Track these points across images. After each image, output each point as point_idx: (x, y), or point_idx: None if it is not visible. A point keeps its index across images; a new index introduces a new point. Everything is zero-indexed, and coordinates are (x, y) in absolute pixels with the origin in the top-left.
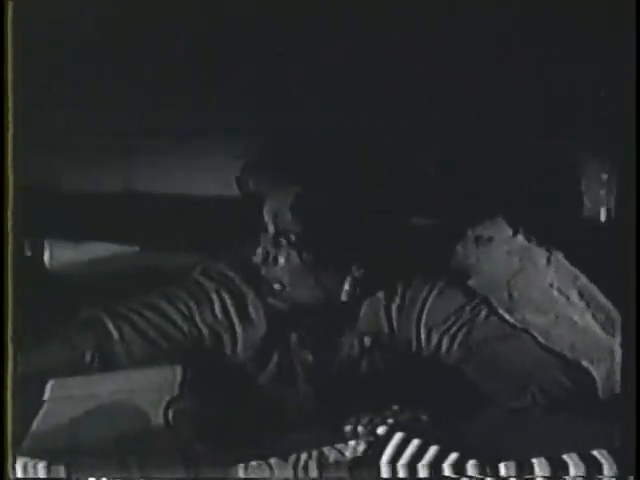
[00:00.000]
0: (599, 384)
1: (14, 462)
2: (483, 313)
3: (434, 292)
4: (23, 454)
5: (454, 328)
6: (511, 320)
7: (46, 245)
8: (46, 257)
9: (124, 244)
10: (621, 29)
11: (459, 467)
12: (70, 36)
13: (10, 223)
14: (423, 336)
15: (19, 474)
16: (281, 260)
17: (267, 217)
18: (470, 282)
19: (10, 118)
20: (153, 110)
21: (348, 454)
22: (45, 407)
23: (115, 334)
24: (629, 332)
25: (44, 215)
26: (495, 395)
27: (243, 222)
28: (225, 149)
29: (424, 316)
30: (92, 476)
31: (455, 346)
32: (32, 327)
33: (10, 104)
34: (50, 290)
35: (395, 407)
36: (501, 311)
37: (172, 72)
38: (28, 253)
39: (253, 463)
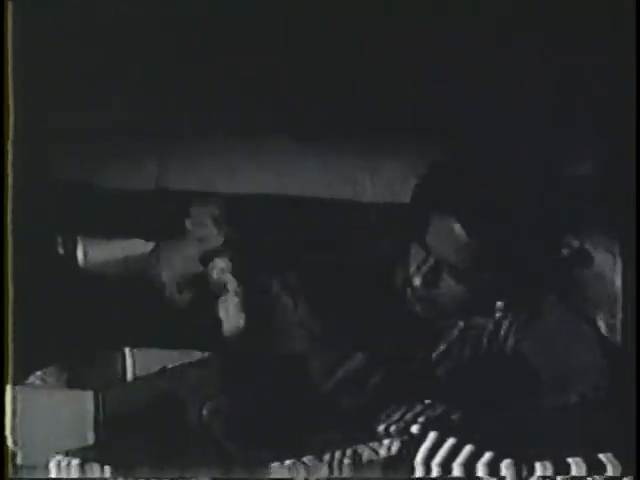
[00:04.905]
0: None
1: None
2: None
3: None
4: (58, 452)
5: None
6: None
7: (79, 243)
8: (79, 255)
9: (157, 242)
10: (621, 29)
11: (494, 466)
12: (70, 36)
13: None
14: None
15: (52, 472)
16: None
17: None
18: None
19: (10, 118)
20: (183, 109)
21: (382, 453)
22: None
23: None
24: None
25: (77, 213)
26: (540, 390)
27: (279, 223)
28: (257, 148)
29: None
30: (128, 476)
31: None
32: (64, 325)
33: (10, 104)
34: (83, 288)
35: (427, 401)
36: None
37: (171, 72)
38: (61, 251)
39: (287, 462)
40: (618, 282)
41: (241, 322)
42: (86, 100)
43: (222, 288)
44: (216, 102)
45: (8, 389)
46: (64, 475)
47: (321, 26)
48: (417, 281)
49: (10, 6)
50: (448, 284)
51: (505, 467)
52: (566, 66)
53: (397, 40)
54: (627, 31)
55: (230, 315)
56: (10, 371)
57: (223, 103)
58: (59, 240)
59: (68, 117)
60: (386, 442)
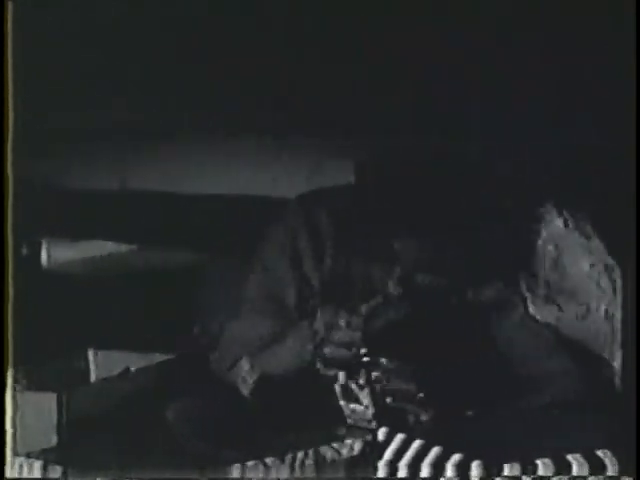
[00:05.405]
0: (618, 378)
1: (12, 462)
2: (515, 304)
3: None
4: (19, 454)
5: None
6: (538, 316)
7: (43, 244)
8: (43, 256)
9: (121, 242)
10: (621, 29)
11: (462, 468)
12: (70, 36)
13: (9, 222)
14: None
15: (16, 474)
16: None
17: None
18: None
19: (10, 118)
20: (151, 109)
21: (345, 453)
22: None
23: None
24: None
25: (41, 214)
26: (509, 392)
27: (243, 222)
28: (224, 148)
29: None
30: (89, 476)
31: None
32: (30, 327)
33: (10, 104)
34: (47, 289)
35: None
36: (531, 304)
37: (171, 72)
38: (25, 252)
39: (250, 463)
40: (604, 283)
41: None
42: (55, 100)
43: None
44: (216, 102)
45: (8, 392)
46: (25, 476)
47: (321, 26)
48: (392, 287)
49: (10, 6)
50: (423, 279)
51: (474, 468)
52: (566, 66)
53: (397, 40)
54: (627, 31)
55: None
56: (10, 372)
57: (223, 103)
58: (23, 242)
59: (36, 117)
60: (349, 442)
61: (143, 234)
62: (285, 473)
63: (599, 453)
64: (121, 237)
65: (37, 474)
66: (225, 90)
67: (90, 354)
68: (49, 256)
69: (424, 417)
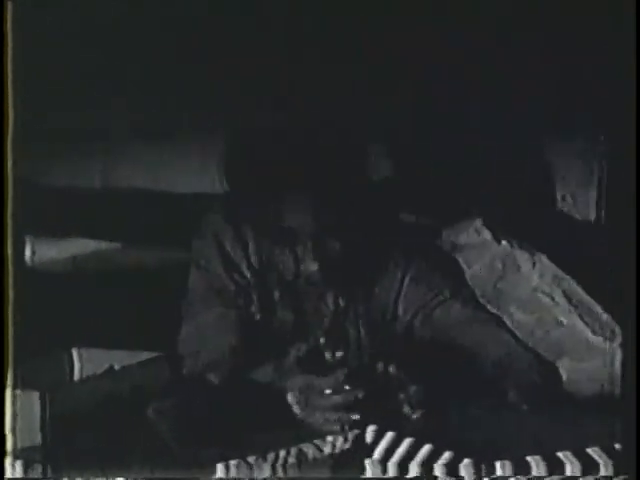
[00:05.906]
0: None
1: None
2: (462, 296)
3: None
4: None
5: (431, 305)
6: (488, 307)
7: (27, 242)
8: (27, 254)
9: (106, 241)
10: (621, 29)
11: (452, 467)
12: (70, 36)
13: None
14: (400, 313)
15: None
16: None
17: None
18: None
19: (10, 118)
20: (136, 108)
21: (327, 450)
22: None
23: None
24: (625, 334)
25: (25, 212)
26: (473, 391)
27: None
28: (208, 148)
29: (401, 297)
30: (72, 475)
31: (431, 323)
32: (14, 326)
33: (10, 104)
34: (32, 287)
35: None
36: (482, 300)
37: (171, 72)
38: (9, 250)
39: (232, 462)
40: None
41: None
42: (48, 101)
43: None
44: (168, 101)
45: (8, 391)
46: (9, 476)
47: (321, 26)
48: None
49: (10, 6)
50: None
51: (464, 467)
52: (566, 66)
53: (397, 40)
54: (627, 31)
55: None
56: (10, 373)
57: (175, 102)
58: (8, 239)
59: (31, 117)
60: (330, 439)
61: (135, 233)
62: (267, 472)
63: (589, 451)
64: (106, 235)
65: (20, 473)
66: (225, 90)
67: (74, 353)
68: (33, 254)
69: (415, 415)
